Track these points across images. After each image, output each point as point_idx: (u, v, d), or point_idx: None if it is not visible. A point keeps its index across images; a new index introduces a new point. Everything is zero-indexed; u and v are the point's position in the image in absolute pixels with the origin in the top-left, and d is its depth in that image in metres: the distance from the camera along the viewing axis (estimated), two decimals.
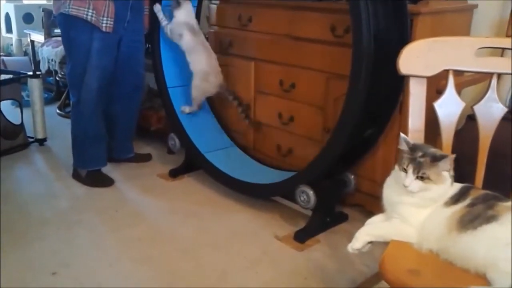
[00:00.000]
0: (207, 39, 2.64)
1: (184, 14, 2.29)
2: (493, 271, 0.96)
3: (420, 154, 1.09)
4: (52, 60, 3.60)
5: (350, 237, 1.19)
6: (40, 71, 3.39)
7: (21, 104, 3.03)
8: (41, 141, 3.04)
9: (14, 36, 4.61)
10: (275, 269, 1.79)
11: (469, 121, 1.69)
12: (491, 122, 1.24)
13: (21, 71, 3.08)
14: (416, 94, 1.24)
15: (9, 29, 4.61)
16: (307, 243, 1.95)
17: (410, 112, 1.24)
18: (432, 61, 1.23)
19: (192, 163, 2.55)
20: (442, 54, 1.23)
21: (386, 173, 1.20)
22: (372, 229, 1.20)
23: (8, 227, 2.03)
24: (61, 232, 2.03)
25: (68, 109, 3.48)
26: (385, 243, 1.13)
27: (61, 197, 2.35)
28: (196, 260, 1.84)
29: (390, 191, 1.17)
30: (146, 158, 2.81)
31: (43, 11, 3.86)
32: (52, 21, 3.60)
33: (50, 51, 3.62)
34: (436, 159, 1.08)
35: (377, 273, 1.56)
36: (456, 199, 1.10)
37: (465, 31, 2.06)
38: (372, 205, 2.01)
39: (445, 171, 1.09)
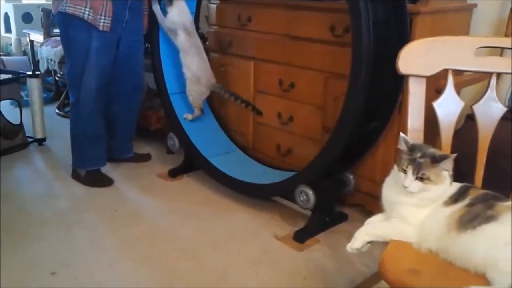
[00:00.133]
0: (207, 38, 2.65)
1: (177, 13, 2.28)
2: (492, 271, 0.96)
3: (419, 154, 1.09)
4: (51, 59, 3.59)
5: (349, 237, 1.19)
6: (39, 70, 3.39)
7: (20, 104, 3.02)
8: (40, 141, 3.04)
9: (13, 36, 4.60)
10: (275, 269, 1.79)
11: (468, 120, 1.69)
12: (490, 121, 1.24)
13: (20, 71, 3.08)
14: (416, 94, 1.24)
15: (8, 29, 4.61)
16: (306, 243, 1.95)
17: (410, 112, 1.24)
18: (431, 60, 1.23)
19: (191, 163, 2.55)
20: (441, 54, 1.23)
21: (386, 173, 1.20)
22: (372, 229, 1.20)
23: (7, 227, 2.03)
24: (60, 232, 2.03)
25: (67, 109, 3.48)
26: (385, 243, 1.13)
27: (61, 197, 2.35)
28: (196, 260, 1.84)
29: (389, 191, 1.17)
30: (146, 158, 2.81)
31: (42, 10, 3.85)
32: (51, 20, 3.60)
33: (49, 51, 3.61)
34: (436, 159, 1.08)
35: (377, 273, 1.55)
36: (455, 198, 1.10)
37: (464, 30, 2.06)
38: (371, 205, 2.01)
39: (445, 170, 1.09)
